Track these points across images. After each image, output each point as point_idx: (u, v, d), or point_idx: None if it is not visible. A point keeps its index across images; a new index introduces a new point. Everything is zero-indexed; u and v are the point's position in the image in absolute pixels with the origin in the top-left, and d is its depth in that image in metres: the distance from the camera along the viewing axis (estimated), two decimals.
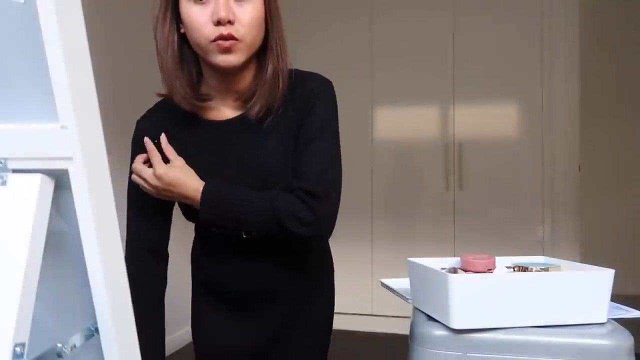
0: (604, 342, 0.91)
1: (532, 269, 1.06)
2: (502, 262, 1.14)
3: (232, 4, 0.92)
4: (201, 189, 0.98)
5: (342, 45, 3.76)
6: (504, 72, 3.51)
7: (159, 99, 1.12)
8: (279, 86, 1.00)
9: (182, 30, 0.98)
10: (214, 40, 0.93)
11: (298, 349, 1.14)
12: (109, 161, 0.61)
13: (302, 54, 3.71)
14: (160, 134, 1.03)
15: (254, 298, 1.12)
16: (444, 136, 3.61)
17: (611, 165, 4.03)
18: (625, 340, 0.92)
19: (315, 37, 3.77)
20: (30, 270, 0.56)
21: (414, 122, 3.66)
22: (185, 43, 0.99)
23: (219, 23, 0.91)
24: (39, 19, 0.53)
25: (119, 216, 0.63)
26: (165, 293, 1.23)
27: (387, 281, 1.33)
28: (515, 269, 1.10)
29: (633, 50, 4.00)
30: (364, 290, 3.61)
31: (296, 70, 1.05)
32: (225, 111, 1.05)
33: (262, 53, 1.01)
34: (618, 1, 4.00)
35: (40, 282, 0.58)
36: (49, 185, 0.60)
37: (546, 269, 1.04)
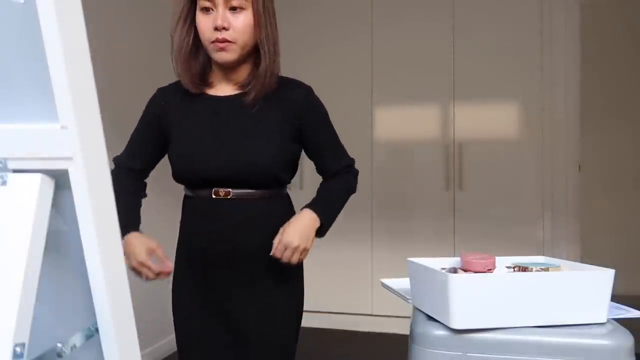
0: (604, 342, 0.91)
1: (532, 269, 1.06)
2: (502, 262, 1.14)
3: (228, 14, 1.21)
4: (317, 219, 1.30)
5: (343, 46, 3.76)
6: (504, 72, 3.51)
7: (142, 98, 1.46)
8: (269, 81, 1.26)
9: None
10: (213, 42, 1.22)
11: (269, 301, 1.29)
12: (109, 161, 0.61)
13: (302, 55, 3.71)
14: (169, 101, 1.35)
15: (229, 255, 1.28)
16: (444, 136, 3.61)
17: (611, 165, 4.03)
18: (625, 340, 0.92)
19: (315, 38, 3.77)
20: (30, 270, 0.56)
21: (414, 122, 3.66)
22: (201, 43, 1.28)
23: (216, 29, 1.21)
24: (39, 19, 0.53)
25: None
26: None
27: (387, 281, 1.33)
28: (515, 269, 1.10)
29: (633, 50, 4.00)
30: (364, 290, 3.61)
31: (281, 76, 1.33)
32: (224, 90, 1.32)
33: (257, 53, 1.27)
34: (618, 1, 4.00)
35: (40, 282, 0.58)
36: (49, 185, 0.60)
37: (546, 269, 1.04)
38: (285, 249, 1.23)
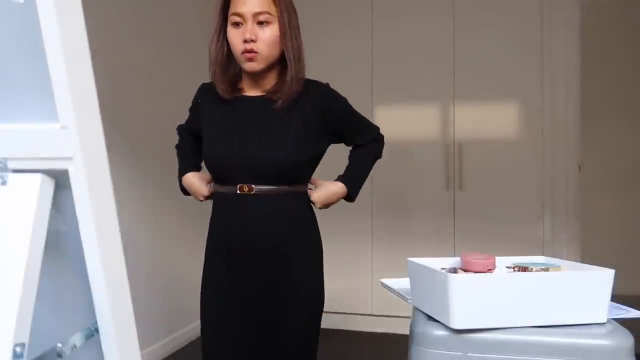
0: (604, 342, 0.91)
1: (532, 269, 1.06)
2: (502, 262, 1.14)
3: (256, 28, 1.34)
4: (345, 191, 1.52)
5: (343, 45, 3.76)
6: (504, 72, 3.51)
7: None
8: (295, 88, 1.38)
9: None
10: (242, 53, 1.34)
11: (293, 296, 1.38)
12: (109, 161, 0.61)
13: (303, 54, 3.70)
14: (205, 99, 1.48)
15: (254, 249, 1.37)
16: (444, 136, 3.61)
17: (611, 165, 4.03)
18: (625, 340, 0.92)
19: (316, 37, 3.77)
20: (30, 270, 0.56)
21: (414, 122, 3.66)
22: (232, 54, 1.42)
23: (245, 41, 1.33)
24: (39, 19, 0.53)
25: (118, 216, 0.63)
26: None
27: (387, 281, 1.33)
28: (515, 269, 1.10)
29: (634, 50, 3.99)
30: (364, 290, 3.61)
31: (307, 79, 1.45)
32: (253, 92, 1.44)
33: (284, 62, 1.41)
34: (619, 1, 4.00)
35: (40, 282, 0.58)
36: (49, 185, 0.60)
37: (546, 269, 1.04)
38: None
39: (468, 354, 0.94)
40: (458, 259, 1.14)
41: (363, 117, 1.57)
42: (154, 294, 3.07)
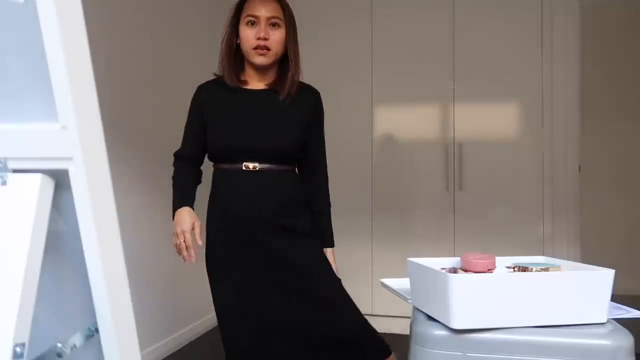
0: (604, 342, 0.91)
1: (532, 269, 1.06)
2: (502, 262, 1.14)
3: (269, 29, 1.59)
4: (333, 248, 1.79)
5: (343, 45, 3.76)
6: (504, 72, 3.51)
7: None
8: (294, 83, 1.64)
9: (237, 41, 1.64)
10: (255, 48, 1.59)
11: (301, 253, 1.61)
12: (109, 161, 0.60)
13: (302, 54, 3.71)
14: (210, 94, 1.66)
15: (255, 216, 1.57)
16: (444, 136, 3.61)
17: (611, 165, 4.03)
18: (625, 340, 0.92)
19: (316, 37, 3.76)
20: (30, 270, 0.56)
21: (414, 122, 3.66)
22: (238, 49, 1.65)
23: (259, 39, 1.58)
24: (39, 19, 0.53)
25: (119, 216, 0.63)
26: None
27: (387, 281, 1.33)
28: (515, 269, 1.10)
29: (634, 50, 3.99)
30: (364, 290, 3.60)
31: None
32: (257, 86, 1.66)
33: (283, 61, 1.66)
34: (618, 1, 4.00)
35: (40, 282, 0.58)
36: (49, 185, 0.60)
37: (546, 269, 1.04)
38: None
39: (468, 354, 0.93)
40: (458, 259, 1.14)
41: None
42: (154, 294, 3.07)
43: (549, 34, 3.44)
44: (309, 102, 1.68)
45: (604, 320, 0.97)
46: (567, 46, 3.43)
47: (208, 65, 3.92)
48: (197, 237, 1.60)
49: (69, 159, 0.56)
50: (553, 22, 3.44)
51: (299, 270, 1.57)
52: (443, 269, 1.08)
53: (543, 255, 1.23)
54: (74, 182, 0.57)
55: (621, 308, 1.06)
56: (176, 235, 1.60)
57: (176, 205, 1.65)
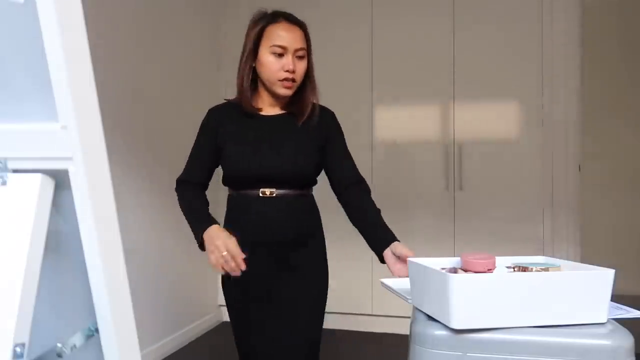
0: (604, 342, 0.91)
1: (532, 269, 1.06)
2: (502, 262, 1.14)
3: (296, 61, 1.54)
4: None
5: (343, 46, 3.76)
6: (504, 72, 3.51)
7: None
8: (313, 108, 1.62)
9: (253, 65, 1.58)
10: (282, 80, 1.53)
11: (302, 281, 1.58)
12: (109, 161, 0.60)
13: None
14: (224, 118, 1.61)
15: (270, 242, 1.55)
16: (444, 136, 3.61)
17: (611, 165, 4.03)
18: (625, 340, 0.92)
19: (315, 38, 3.76)
20: (30, 270, 0.56)
21: (414, 122, 3.66)
22: (254, 73, 1.59)
23: (287, 71, 1.52)
24: (39, 19, 0.53)
25: (119, 216, 0.63)
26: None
27: (387, 281, 1.33)
28: (515, 269, 1.10)
29: (634, 51, 3.99)
30: (364, 290, 3.61)
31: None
32: (274, 111, 1.62)
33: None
34: (618, 1, 4.00)
35: (40, 282, 0.58)
36: (49, 185, 0.60)
37: (546, 269, 1.04)
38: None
39: (468, 354, 0.94)
40: (458, 259, 1.14)
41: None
42: (154, 294, 3.07)
43: (549, 34, 3.44)
44: (324, 124, 1.64)
45: (604, 320, 0.97)
46: (567, 46, 3.43)
47: (208, 65, 3.93)
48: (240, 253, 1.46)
49: (69, 159, 0.56)
50: (553, 22, 3.44)
51: (292, 304, 1.55)
52: (443, 269, 1.08)
53: (543, 255, 1.23)
54: (74, 182, 0.57)
55: (621, 308, 1.06)
56: (215, 249, 1.43)
57: (200, 227, 1.50)
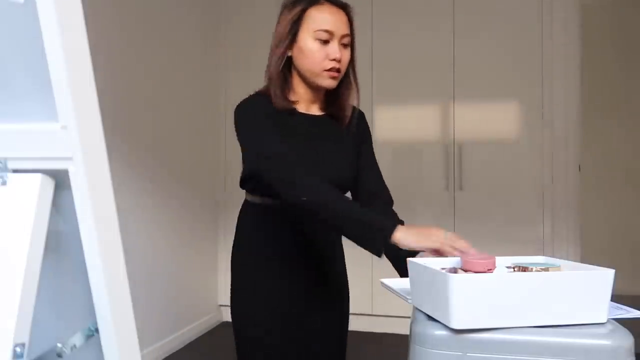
0: (604, 342, 0.91)
1: (532, 269, 1.06)
2: (502, 262, 1.14)
3: (342, 48, 1.34)
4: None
5: None
6: (504, 72, 3.51)
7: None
8: (354, 109, 1.45)
9: (289, 54, 1.35)
10: (327, 70, 1.33)
11: (325, 305, 1.51)
12: (109, 161, 0.60)
13: None
14: (270, 111, 1.34)
15: (310, 256, 1.44)
16: (444, 136, 3.61)
17: (611, 165, 4.03)
18: (625, 340, 0.91)
19: None
20: (30, 270, 0.56)
21: (414, 122, 3.66)
22: (285, 63, 1.36)
23: (333, 60, 1.32)
24: (39, 19, 0.53)
25: (119, 216, 0.63)
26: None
27: (387, 281, 1.33)
28: (515, 269, 1.10)
29: (633, 50, 3.99)
30: (364, 290, 3.60)
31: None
32: (311, 110, 1.43)
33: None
34: (618, 1, 4.00)
35: (40, 282, 0.58)
36: (49, 185, 0.60)
37: (546, 269, 1.04)
38: None
39: (468, 354, 0.93)
40: (458, 259, 1.14)
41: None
42: (154, 294, 3.07)
43: (549, 34, 3.44)
44: (360, 129, 1.49)
45: (604, 320, 0.97)
46: (567, 46, 3.43)
47: (208, 65, 3.92)
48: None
49: (69, 159, 0.56)
50: (553, 22, 3.44)
51: (329, 318, 1.55)
52: (443, 269, 1.08)
53: (543, 255, 1.23)
54: (74, 182, 0.57)
55: (621, 308, 1.06)
56: (437, 231, 1.22)
57: (386, 227, 1.19)
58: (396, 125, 3.69)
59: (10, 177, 0.60)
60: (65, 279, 0.64)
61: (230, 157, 3.85)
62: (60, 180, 0.59)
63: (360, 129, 1.49)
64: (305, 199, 1.22)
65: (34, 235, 0.57)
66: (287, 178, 1.24)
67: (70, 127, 0.55)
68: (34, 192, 0.58)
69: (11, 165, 0.60)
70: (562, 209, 3.44)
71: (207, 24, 3.83)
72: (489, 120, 3.55)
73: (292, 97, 1.39)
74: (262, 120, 1.32)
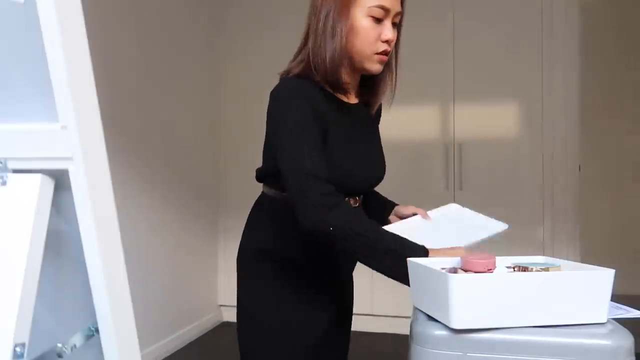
0: (604, 342, 0.91)
1: (532, 269, 1.06)
2: (502, 262, 1.14)
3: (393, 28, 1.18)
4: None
5: None
6: (504, 72, 3.51)
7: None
8: (388, 90, 1.29)
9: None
10: (378, 53, 1.17)
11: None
12: (109, 161, 0.60)
13: None
14: (320, 106, 1.15)
15: (345, 262, 1.32)
16: (444, 136, 3.61)
17: (611, 165, 4.03)
18: (625, 340, 0.91)
19: None
20: (30, 270, 0.56)
21: (413, 122, 3.66)
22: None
23: (386, 41, 1.17)
24: (39, 19, 0.53)
25: (118, 216, 0.63)
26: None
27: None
28: (515, 269, 1.10)
29: (633, 50, 3.99)
30: (364, 290, 3.60)
31: None
32: (351, 98, 1.28)
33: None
34: (618, 1, 4.00)
35: (40, 282, 0.58)
36: (49, 185, 0.60)
37: (546, 269, 1.04)
38: None
39: (468, 354, 0.93)
40: (458, 259, 1.14)
41: None
42: (154, 294, 3.07)
43: (549, 34, 3.44)
44: (377, 113, 1.39)
45: (604, 320, 0.97)
46: (567, 46, 3.43)
47: (208, 64, 3.92)
48: None
49: (69, 159, 0.56)
50: (553, 22, 3.44)
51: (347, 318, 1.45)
52: (443, 269, 1.08)
53: (543, 255, 1.23)
54: (74, 182, 0.57)
55: (621, 308, 1.06)
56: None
57: (413, 250, 1.11)
58: (396, 125, 3.69)
59: (10, 177, 0.60)
60: (65, 279, 0.65)
61: (231, 157, 3.85)
62: (60, 181, 0.60)
63: (378, 115, 1.40)
64: (332, 229, 1.06)
65: (34, 235, 0.57)
66: (317, 202, 1.06)
67: (70, 127, 0.55)
68: (34, 192, 0.58)
69: (11, 165, 0.60)
70: (562, 209, 3.44)
71: (208, 23, 3.84)
72: (489, 120, 3.55)
73: (343, 83, 1.22)
74: (306, 121, 1.11)
